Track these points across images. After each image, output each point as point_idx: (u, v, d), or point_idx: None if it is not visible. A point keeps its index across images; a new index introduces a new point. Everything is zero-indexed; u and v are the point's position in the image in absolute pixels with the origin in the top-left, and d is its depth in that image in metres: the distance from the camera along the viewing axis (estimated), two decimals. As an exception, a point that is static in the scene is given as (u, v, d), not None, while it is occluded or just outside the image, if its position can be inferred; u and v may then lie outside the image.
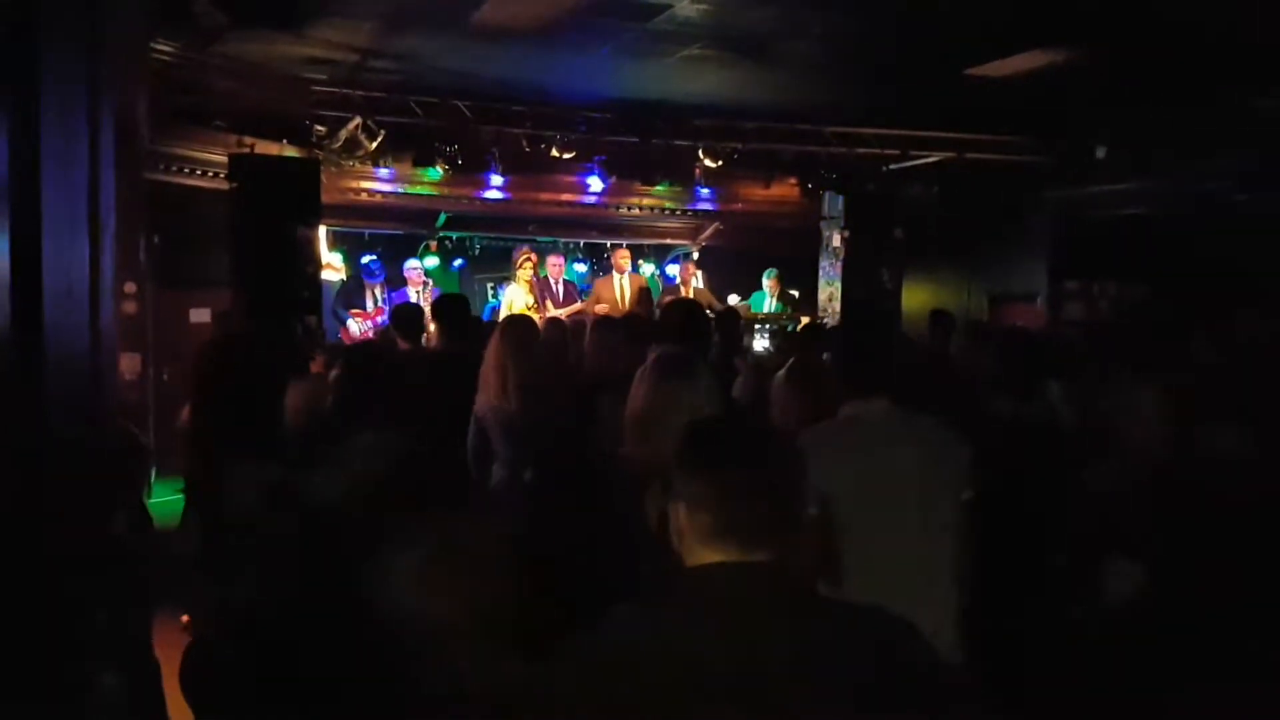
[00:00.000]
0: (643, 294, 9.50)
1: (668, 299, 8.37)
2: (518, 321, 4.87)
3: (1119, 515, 2.83)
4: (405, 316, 6.20)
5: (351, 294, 9.66)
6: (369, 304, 9.54)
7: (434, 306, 6.14)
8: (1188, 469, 2.90)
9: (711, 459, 1.54)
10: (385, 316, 9.24)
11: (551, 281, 10.00)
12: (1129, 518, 2.81)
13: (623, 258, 10.21)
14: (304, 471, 2.59)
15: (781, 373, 3.43)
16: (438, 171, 9.58)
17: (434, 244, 11.78)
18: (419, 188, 10.38)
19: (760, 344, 9.04)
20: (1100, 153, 9.34)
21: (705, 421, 1.69)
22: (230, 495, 2.33)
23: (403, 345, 5.92)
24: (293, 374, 3.21)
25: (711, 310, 9.83)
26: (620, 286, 9.88)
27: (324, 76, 8.37)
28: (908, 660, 1.47)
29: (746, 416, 2.40)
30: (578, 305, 9.81)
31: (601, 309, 9.20)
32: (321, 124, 8.82)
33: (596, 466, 2.80)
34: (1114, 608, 2.66)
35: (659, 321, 4.28)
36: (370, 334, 9.18)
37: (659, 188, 10.70)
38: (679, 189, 10.96)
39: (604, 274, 11.65)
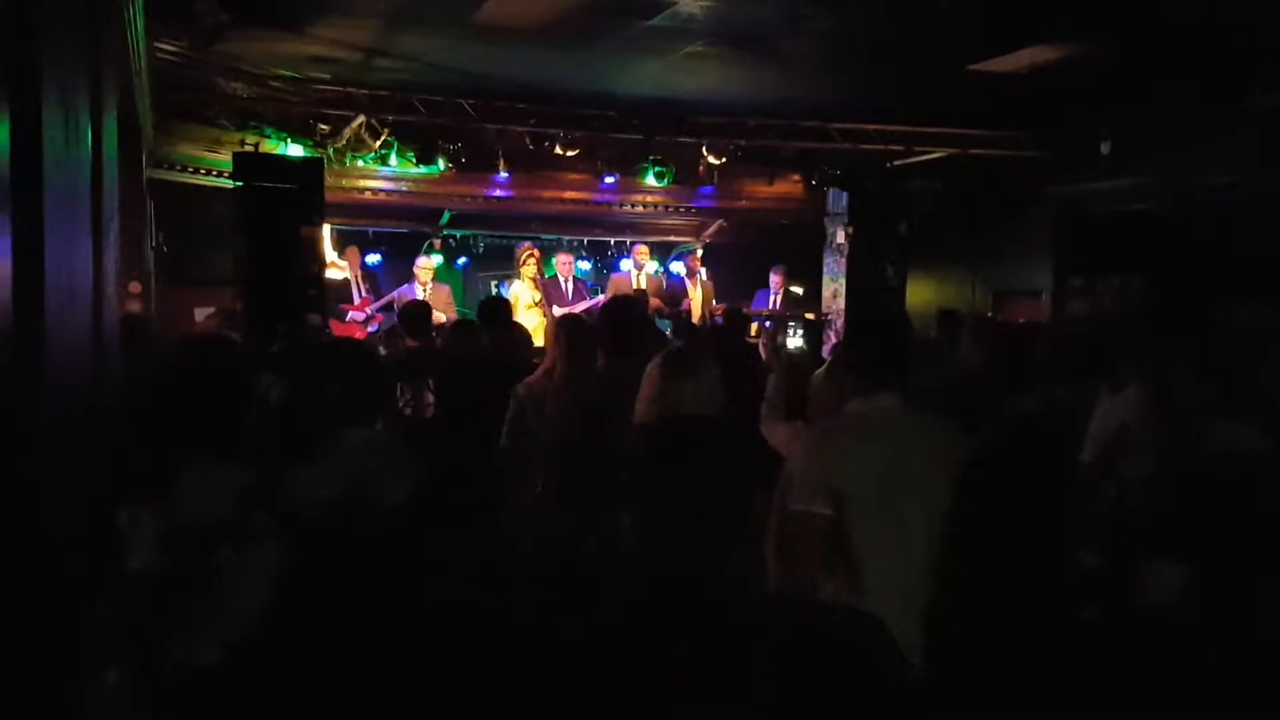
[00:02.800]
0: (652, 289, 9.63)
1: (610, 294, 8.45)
2: (574, 321, 4.79)
3: (1148, 513, 2.82)
4: (413, 314, 6.22)
5: (337, 292, 9.66)
6: (355, 297, 9.58)
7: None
8: (1201, 464, 2.89)
9: (653, 460, 1.54)
10: (372, 308, 9.36)
11: (561, 280, 10.04)
12: (1159, 516, 2.79)
13: (641, 254, 10.32)
14: (288, 470, 2.57)
15: (821, 370, 3.44)
16: (441, 169, 9.59)
17: (438, 242, 11.79)
18: (423, 186, 10.41)
19: (793, 342, 9.06)
20: (1105, 148, 9.31)
21: (661, 422, 1.69)
22: (205, 500, 2.31)
23: (410, 343, 5.94)
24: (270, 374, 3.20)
25: (715, 310, 9.96)
26: (637, 283, 10.11)
27: (327, 75, 8.37)
28: (871, 659, 1.48)
29: (711, 417, 2.39)
30: (585, 303, 9.85)
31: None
32: (325, 122, 8.83)
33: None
34: (1149, 609, 2.65)
35: (601, 320, 4.23)
36: (362, 326, 9.26)
37: (658, 182, 10.69)
38: (682, 186, 10.97)
39: (611, 269, 11.70)
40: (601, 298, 10.02)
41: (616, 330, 3.66)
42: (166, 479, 2.19)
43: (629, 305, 4.45)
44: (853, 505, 2.51)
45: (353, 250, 9.88)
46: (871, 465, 2.56)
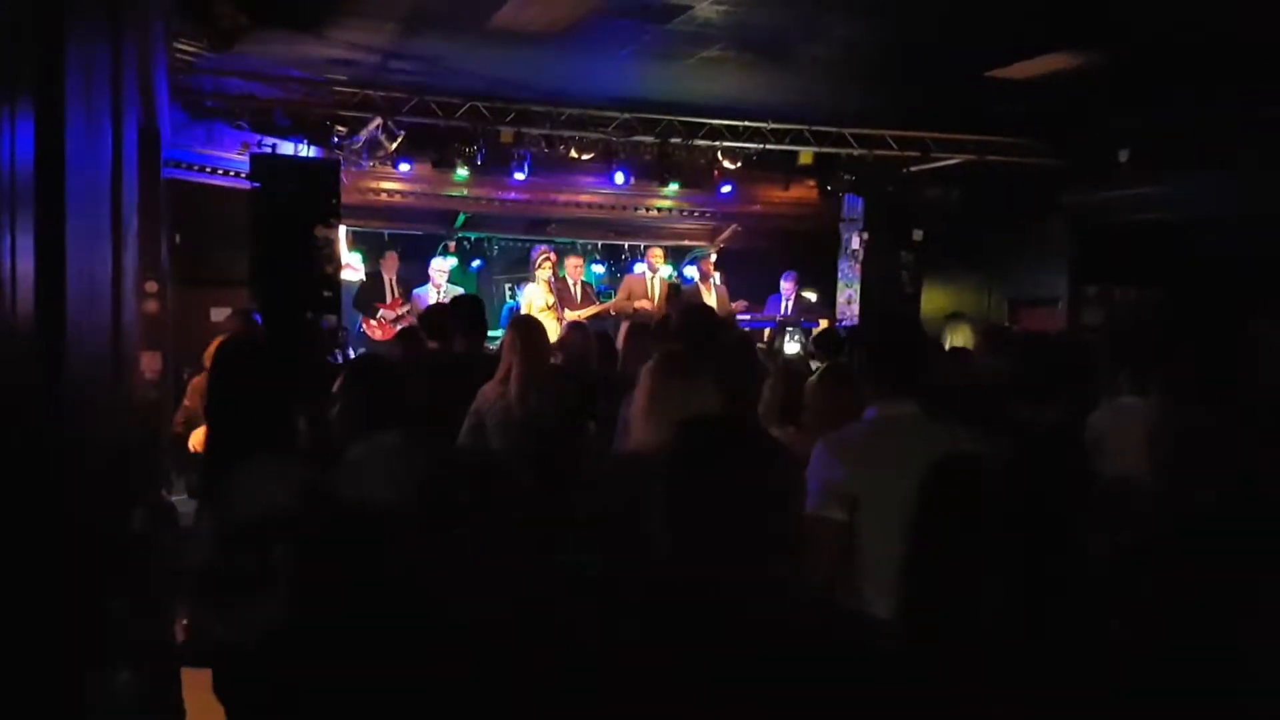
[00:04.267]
0: (671, 291, 9.61)
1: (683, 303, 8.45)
2: (525, 320, 4.97)
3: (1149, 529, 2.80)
4: (433, 317, 6.22)
5: (371, 291, 9.77)
6: (388, 297, 9.67)
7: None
8: (1216, 478, 2.87)
9: (690, 461, 1.53)
10: (403, 308, 9.51)
11: (570, 283, 10.04)
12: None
13: (655, 257, 10.33)
14: (331, 471, 2.59)
15: (814, 376, 3.45)
16: (457, 172, 9.62)
17: (453, 244, 11.82)
18: (438, 188, 10.45)
19: (791, 347, 9.06)
20: (1123, 156, 9.27)
21: (693, 424, 1.68)
22: (255, 495, 2.33)
23: (431, 345, 5.94)
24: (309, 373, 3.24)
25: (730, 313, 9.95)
26: (651, 285, 10.05)
27: (345, 77, 8.41)
28: (881, 659, 1.46)
29: (738, 420, 2.40)
30: (595, 307, 9.85)
31: (641, 305, 9.62)
32: (342, 124, 8.86)
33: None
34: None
35: (676, 324, 4.37)
36: (394, 325, 9.36)
37: (672, 187, 10.70)
38: (697, 190, 10.97)
39: (624, 273, 11.70)
40: (599, 305, 10.01)
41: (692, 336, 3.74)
42: (223, 477, 2.23)
43: (703, 311, 4.56)
44: (867, 512, 2.50)
45: (392, 256, 10.02)
46: (886, 472, 2.55)
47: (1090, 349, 4.65)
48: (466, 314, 5.40)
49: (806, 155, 10.10)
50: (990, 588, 2.71)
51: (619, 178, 10.32)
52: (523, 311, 9.36)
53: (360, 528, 1.90)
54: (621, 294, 10.00)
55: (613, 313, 9.78)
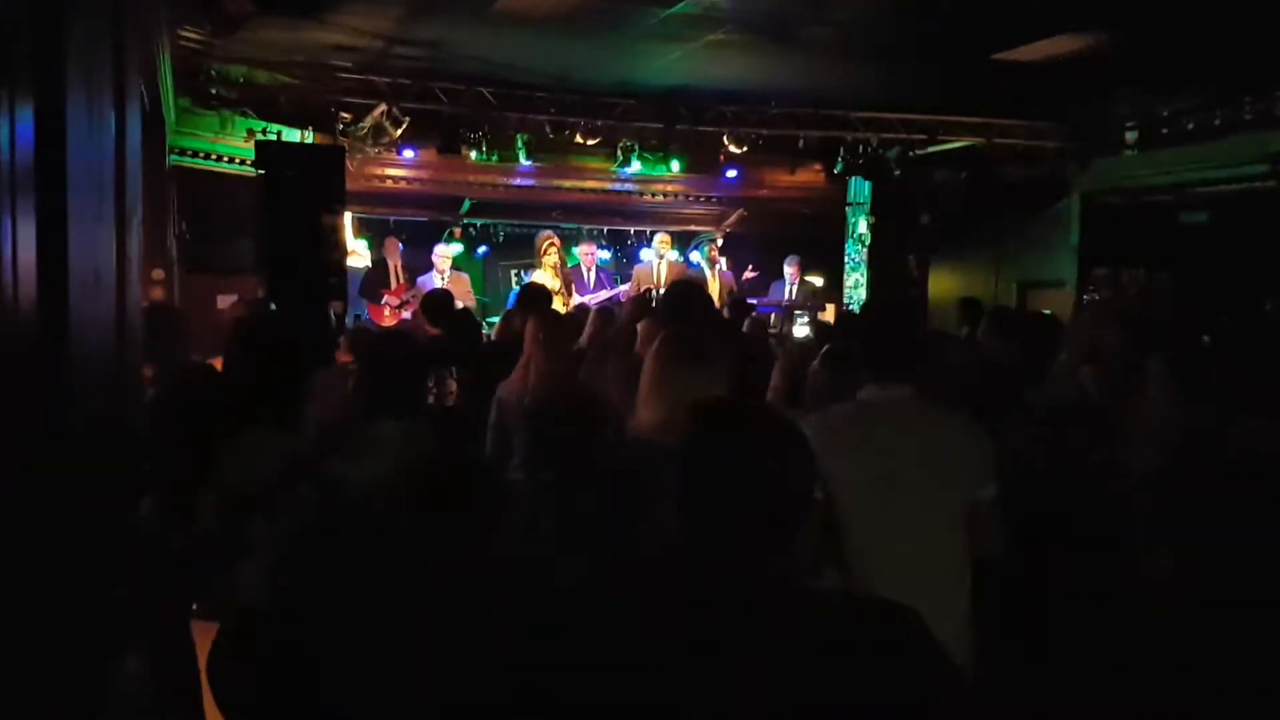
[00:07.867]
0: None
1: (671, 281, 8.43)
2: (547, 308, 4.90)
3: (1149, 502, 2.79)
4: (435, 303, 6.23)
5: (376, 277, 9.78)
6: (393, 283, 9.67)
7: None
8: (1216, 456, 2.86)
9: (705, 448, 1.51)
10: (407, 294, 9.49)
11: (584, 269, 10.03)
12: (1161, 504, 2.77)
13: (662, 243, 10.31)
14: (328, 455, 2.60)
15: (817, 360, 3.43)
16: (466, 158, 9.60)
17: (458, 230, 11.80)
18: (443, 174, 10.43)
19: (800, 331, 9.06)
20: (1130, 138, 9.22)
21: (706, 406, 1.66)
22: (250, 467, 2.34)
23: (432, 331, 5.96)
24: (319, 357, 3.24)
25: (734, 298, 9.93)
26: (659, 272, 10.02)
27: (349, 63, 8.39)
28: (907, 653, 1.45)
29: (750, 403, 2.39)
30: (607, 292, 9.84)
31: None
32: (347, 111, 8.85)
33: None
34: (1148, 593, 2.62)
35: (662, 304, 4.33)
36: (399, 311, 9.38)
37: (676, 169, 10.66)
38: (702, 175, 10.92)
39: (631, 258, 11.68)
40: (623, 288, 10.01)
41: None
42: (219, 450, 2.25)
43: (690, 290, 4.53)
44: (848, 492, 2.48)
45: (392, 241, 10.01)
46: (870, 454, 2.53)
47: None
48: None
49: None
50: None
51: (625, 164, 10.29)
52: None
53: (362, 514, 1.90)
54: (633, 288, 9.99)
55: (622, 300, 9.78)
